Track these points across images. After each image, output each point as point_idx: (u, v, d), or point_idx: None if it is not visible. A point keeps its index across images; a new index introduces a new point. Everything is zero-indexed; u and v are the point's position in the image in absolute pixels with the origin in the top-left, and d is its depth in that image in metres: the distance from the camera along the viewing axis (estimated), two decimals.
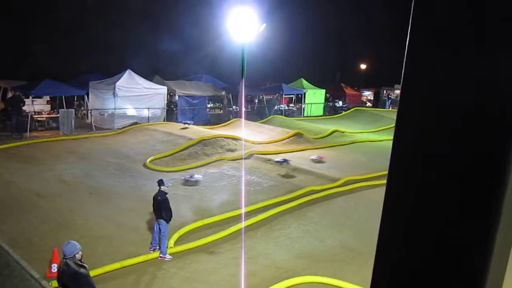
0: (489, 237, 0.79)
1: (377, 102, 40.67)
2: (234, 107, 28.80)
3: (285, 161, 16.53)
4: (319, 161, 17.48)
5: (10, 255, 8.39)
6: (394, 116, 0.87)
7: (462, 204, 0.80)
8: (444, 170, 0.81)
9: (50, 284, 7.31)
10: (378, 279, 0.96)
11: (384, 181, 0.89)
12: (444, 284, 0.85)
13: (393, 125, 0.88)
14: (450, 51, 0.79)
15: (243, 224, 10.48)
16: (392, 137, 0.89)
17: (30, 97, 20.96)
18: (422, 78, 0.83)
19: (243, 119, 22.98)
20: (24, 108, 20.21)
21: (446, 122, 0.80)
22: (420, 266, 0.87)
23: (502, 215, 0.78)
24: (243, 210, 11.23)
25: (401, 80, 0.86)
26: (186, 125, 21.53)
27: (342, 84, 41.11)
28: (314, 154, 18.21)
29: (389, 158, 0.88)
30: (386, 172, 0.91)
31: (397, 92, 40.00)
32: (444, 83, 0.80)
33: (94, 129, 21.62)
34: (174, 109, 25.49)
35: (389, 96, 40.27)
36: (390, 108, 37.75)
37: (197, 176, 14.32)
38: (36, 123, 20.90)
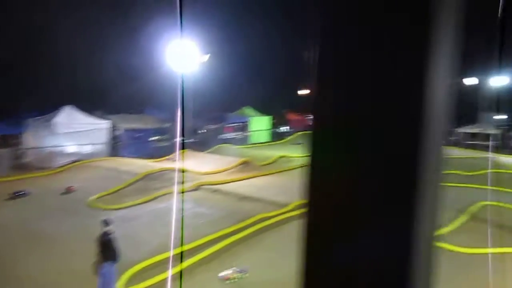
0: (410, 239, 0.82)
1: None
2: (179, 138, 28.41)
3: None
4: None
5: None
6: None
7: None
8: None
9: None
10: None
11: None
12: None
13: None
14: None
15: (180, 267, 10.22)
16: None
17: None
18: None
19: (181, 151, 22.77)
20: None
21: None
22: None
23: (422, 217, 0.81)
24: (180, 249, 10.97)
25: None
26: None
27: (286, 110, 41.78)
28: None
29: None
30: None
31: None
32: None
33: (33, 169, 20.56)
34: (118, 143, 24.86)
35: None
36: None
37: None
38: None
